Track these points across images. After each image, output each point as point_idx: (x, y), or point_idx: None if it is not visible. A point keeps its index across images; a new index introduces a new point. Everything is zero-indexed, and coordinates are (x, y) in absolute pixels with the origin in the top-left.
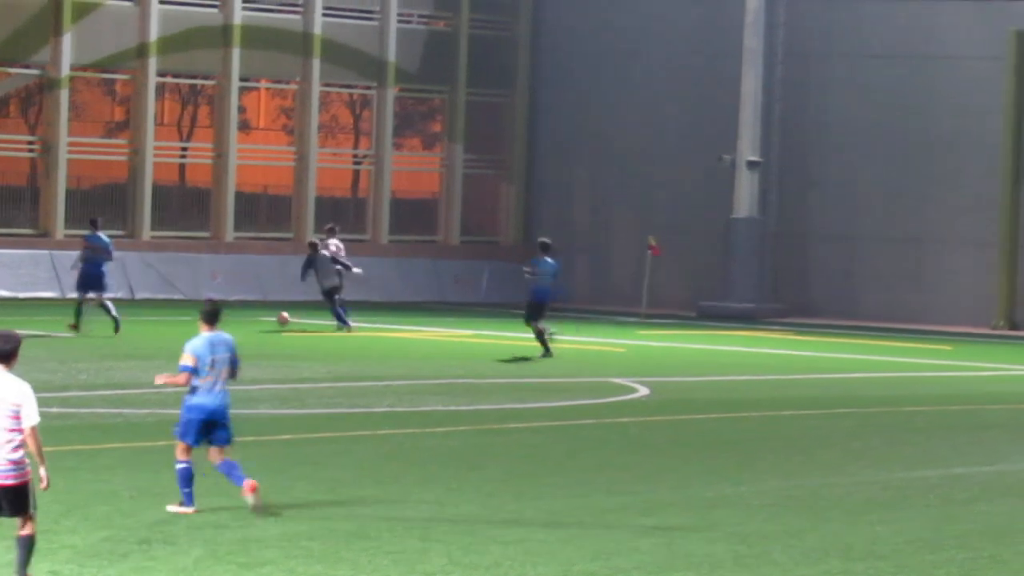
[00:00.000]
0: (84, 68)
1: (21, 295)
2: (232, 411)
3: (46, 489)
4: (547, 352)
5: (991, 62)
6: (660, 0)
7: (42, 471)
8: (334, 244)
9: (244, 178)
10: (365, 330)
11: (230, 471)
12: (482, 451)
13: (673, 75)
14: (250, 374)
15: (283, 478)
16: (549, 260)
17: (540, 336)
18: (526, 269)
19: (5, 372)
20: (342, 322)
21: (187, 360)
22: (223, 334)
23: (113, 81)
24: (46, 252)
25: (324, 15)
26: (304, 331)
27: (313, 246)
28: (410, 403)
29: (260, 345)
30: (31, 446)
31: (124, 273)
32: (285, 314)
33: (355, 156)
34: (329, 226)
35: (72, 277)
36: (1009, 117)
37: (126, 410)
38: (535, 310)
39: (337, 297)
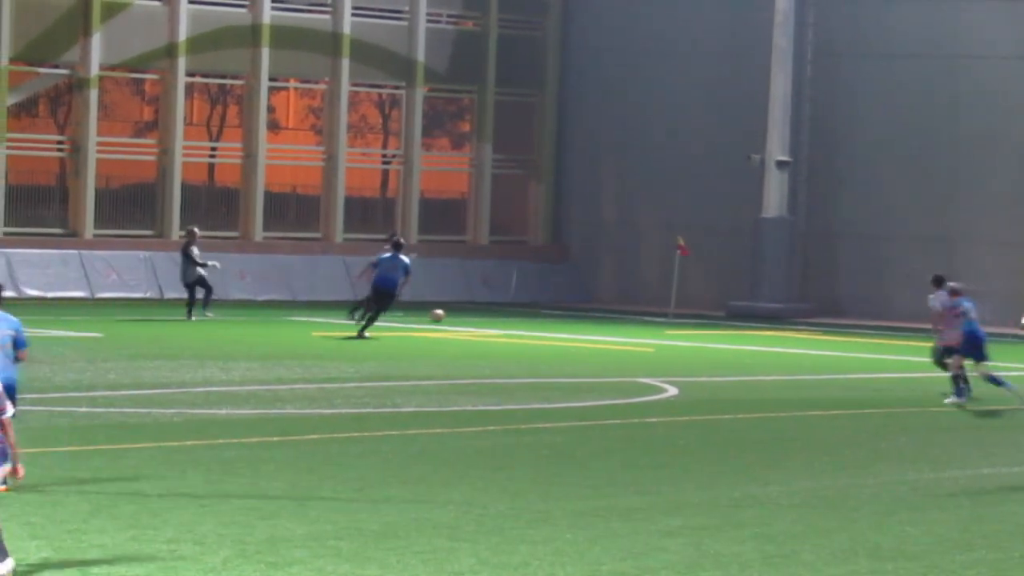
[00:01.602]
0: (113, 68)
1: (50, 295)
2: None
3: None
4: (361, 334)
5: (1019, 61)
6: (689, 0)
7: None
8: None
9: (273, 178)
10: (394, 330)
11: None
12: (510, 451)
13: (702, 75)
14: (276, 373)
15: (311, 478)
16: (402, 257)
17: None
18: (369, 263)
19: None
20: (189, 312)
21: None
22: (7, 315)
23: (142, 81)
24: (75, 252)
25: (353, 15)
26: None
27: (190, 234)
28: (438, 403)
29: (287, 345)
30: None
31: (153, 273)
32: (440, 311)
33: (384, 156)
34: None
35: None
36: None
37: (154, 410)
38: (385, 297)
39: (199, 289)
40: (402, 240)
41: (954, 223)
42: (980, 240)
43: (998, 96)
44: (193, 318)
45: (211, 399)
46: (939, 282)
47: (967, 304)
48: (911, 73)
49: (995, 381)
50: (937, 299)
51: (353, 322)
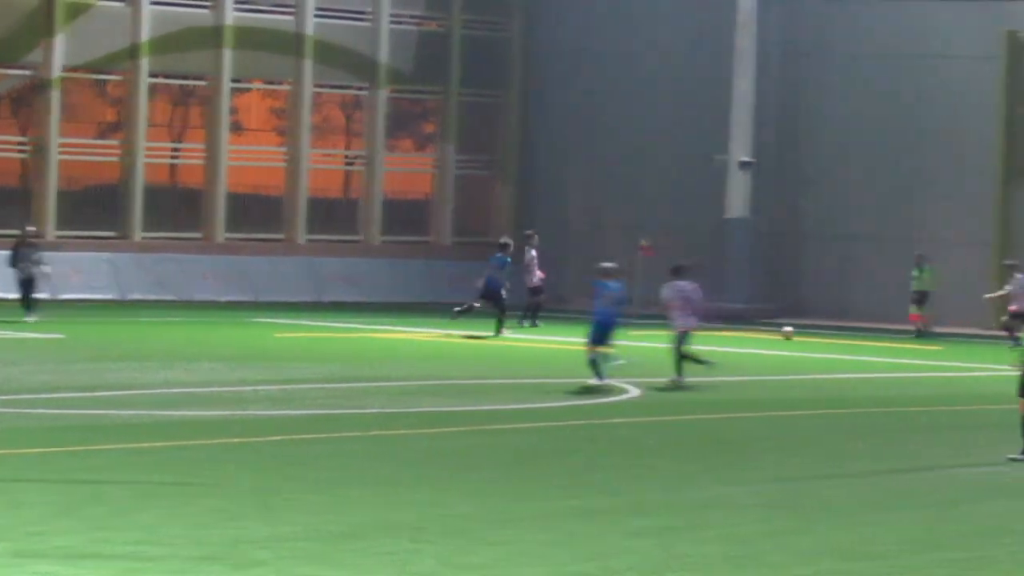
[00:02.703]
0: (76, 69)
1: (11, 296)
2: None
3: None
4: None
5: (984, 62)
6: (653, 0)
7: None
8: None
9: (236, 179)
10: (358, 331)
11: None
12: (474, 452)
13: (666, 75)
14: (240, 375)
15: (275, 479)
16: (499, 255)
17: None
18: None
19: None
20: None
21: None
22: None
23: (105, 82)
24: None
25: (316, 16)
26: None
27: (23, 235)
28: (402, 404)
29: (251, 347)
30: None
31: (115, 274)
32: (789, 329)
33: (347, 157)
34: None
35: None
36: (1002, 116)
37: (118, 411)
38: (490, 295)
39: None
40: (506, 241)
41: (919, 224)
42: (944, 240)
43: (962, 96)
44: (33, 318)
45: (175, 401)
46: (677, 272)
47: (600, 286)
48: (875, 73)
49: (594, 364)
50: (670, 288)
51: (525, 326)
